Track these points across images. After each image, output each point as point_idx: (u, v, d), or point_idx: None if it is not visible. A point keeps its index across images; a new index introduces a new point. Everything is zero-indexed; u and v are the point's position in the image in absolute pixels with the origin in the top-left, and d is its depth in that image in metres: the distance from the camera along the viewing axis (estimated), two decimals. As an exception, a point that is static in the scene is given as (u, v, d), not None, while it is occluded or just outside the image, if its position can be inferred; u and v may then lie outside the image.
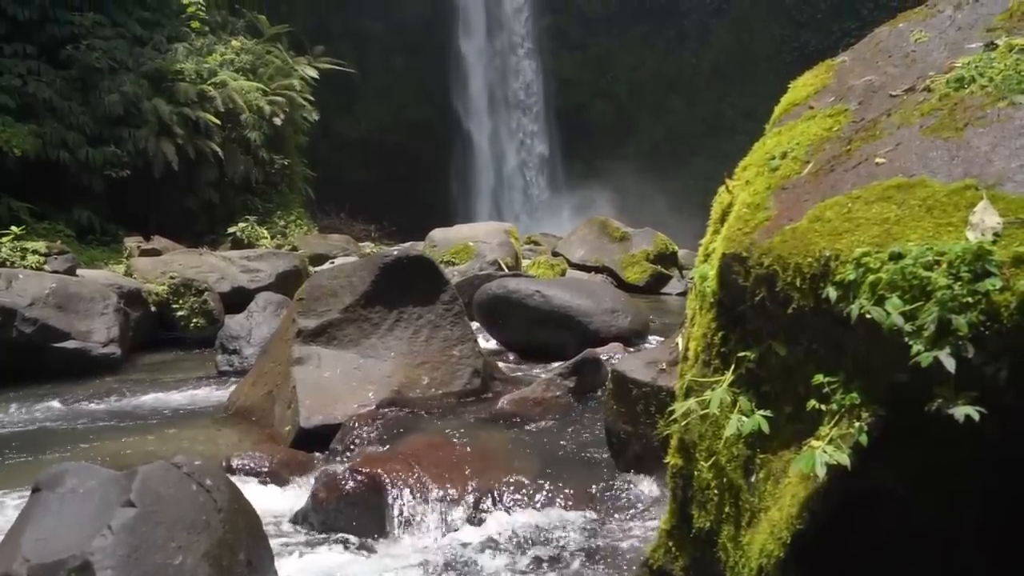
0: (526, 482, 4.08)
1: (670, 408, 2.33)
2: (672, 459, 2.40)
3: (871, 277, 1.64)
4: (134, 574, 2.66)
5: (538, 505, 3.92)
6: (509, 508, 3.90)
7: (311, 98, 20.21)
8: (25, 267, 9.58)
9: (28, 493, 3.12)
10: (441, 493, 3.95)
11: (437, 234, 14.19)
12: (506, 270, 12.10)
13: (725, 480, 2.11)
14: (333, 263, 13.05)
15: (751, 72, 27.26)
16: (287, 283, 11.02)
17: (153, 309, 9.72)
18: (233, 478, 3.96)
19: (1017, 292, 1.48)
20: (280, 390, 5.64)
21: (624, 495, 3.98)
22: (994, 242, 1.56)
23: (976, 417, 1.47)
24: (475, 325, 7.30)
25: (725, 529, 2.10)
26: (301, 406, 5.27)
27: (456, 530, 3.81)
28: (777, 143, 2.33)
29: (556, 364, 6.52)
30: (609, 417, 4.19)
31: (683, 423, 2.28)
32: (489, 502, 3.92)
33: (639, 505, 3.89)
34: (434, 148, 29.28)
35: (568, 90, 29.91)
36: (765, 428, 1.92)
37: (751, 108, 21.36)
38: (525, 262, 13.98)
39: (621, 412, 4.05)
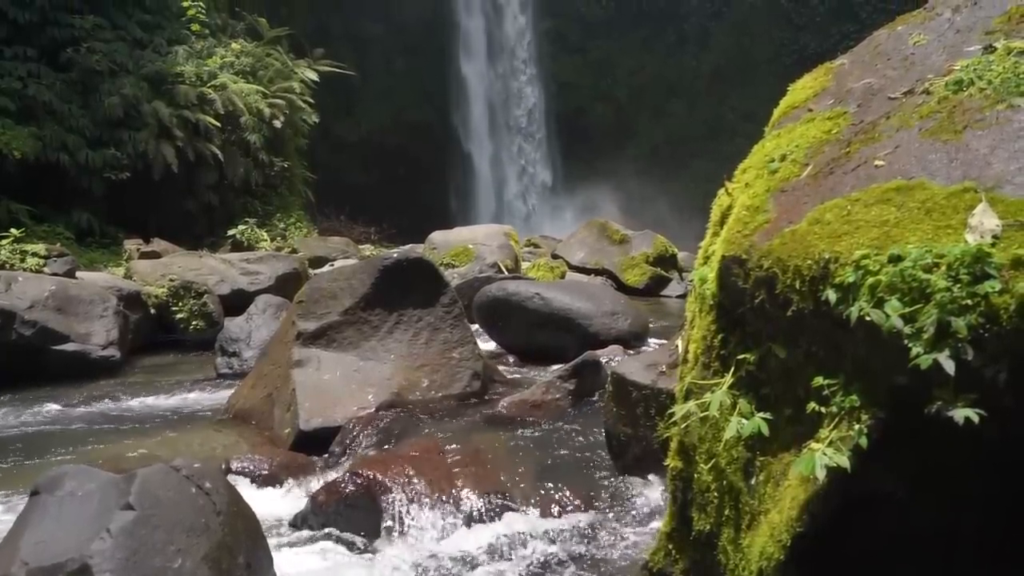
0: (526, 485, 4.07)
1: (670, 410, 2.33)
2: (672, 462, 2.40)
3: (870, 279, 1.64)
4: (133, 577, 2.65)
5: (538, 508, 3.91)
6: (508, 511, 3.90)
7: (311, 100, 20.22)
8: (25, 270, 9.58)
9: (27, 496, 3.12)
10: (440, 496, 3.94)
11: (437, 236, 14.20)
12: (506, 272, 12.10)
13: (725, 482, 2.10)
14: (333, 265, 13.04)
15: (750, 75, 27.31)
16: (287, 285, 11.02)
17: (152, 311, 9.72)
18: (232, 481, 3.96)
19: (1016, 294, 1.48)
20: (280, 393, 5.63)
21: (624, 498, 3.98)
22: (993, 244, 1.56)
23: (975, 419, 1.47)
24: (475, 327, 7.31)
25: (725, 532, 2.10)
26: (300, 409, 5.27)
27: (456, 533, 3.80)
28: (776, 146, 2.34)
29: (556, 367, 6.52)
30: (609, 419, 4.19)
31: (683, 425, 2.27)
32: (489, 505, 3.92)
33: (639, 508, 3.89)
34: (434, 150, 29.28)
35: (568, 93, 29.93)
36: (765, 430, 1.92)
37: (750, 111, 21.36)
38: (525, 264, 13.98)
39: (621, 415, 4.04)
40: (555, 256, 15.06)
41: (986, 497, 1.73)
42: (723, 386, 2.08)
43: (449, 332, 5.95)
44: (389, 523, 3.84)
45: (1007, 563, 1.76)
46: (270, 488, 4.51)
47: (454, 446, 4.49)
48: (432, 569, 3.50)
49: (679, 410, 2.23)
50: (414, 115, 29.40)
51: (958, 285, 1.53)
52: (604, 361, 5.85)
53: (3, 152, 13.41)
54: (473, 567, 3.50)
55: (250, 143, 17.71)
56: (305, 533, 3.95)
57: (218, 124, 16.84)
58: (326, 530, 3.92)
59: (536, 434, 4.85)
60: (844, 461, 1.65)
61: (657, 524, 3.29)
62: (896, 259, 1.63)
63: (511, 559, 3.53)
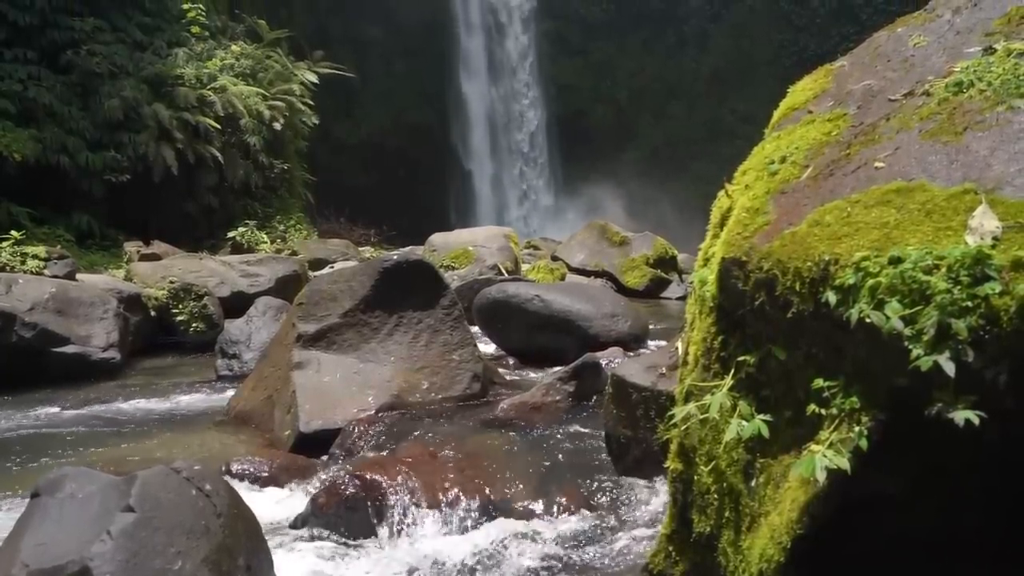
0: (526, 487, 4.07)
1: (670, 412, 2.33)
2: (672, 464, 2.40)
3: (870, 281, 1.64)
4: (133, 579, 2.65)
5: (538, 510, 3.91)
6: (509, 513, 3.89)
7: (311, 102, 20.23)
8: (25, 272, 9.58)
9: (27, 498, 3.12)
10: (441, 498, 3.94)
11: (437, 238, 14.20)
12: (506, 274, 12.10)
13: (725, 484, 2.10)
14: (333, 267, 13.05)
15: (750, 77, 27.34)
16: (287, 287, 11.02)
17: (153, 314, 9.72)
18: (233, 483, 3.96)
19: (1016, 296, 1.48)
20: (280, 395, 5.63)
21: (624, 500, 3.97)
22: (993, 246, 1.56)
23: (976, 421, 1.47)
24: (475, 329, 7.30)
25: (725, 534, 2.10)
26: (301, 411, 5.27)
27: (456, 535, 3.80)
28: (776, 147, 2.34)
29: (556, 368, 6.52)
30: (609, 421, 4.19)
31: (683, 427, 2.27)
32: (489, 507, 3.92)
33: (639, 510, 3.89)
34: (434, 152, 29.26)
35: (568, 96, 29.94)
36: (765, 432, 1.91)
37: (750, 113, 21.41)
38: (525, 266, 13.98)
39: (621, 416, 4.04)
40: (555, 258, 15.06)
41: (986, 498, 1.73)
42: (723, 388, 2.08)
43: (449, 334, 5.95)
44: (389, 525, 3.84)
45: (1008, 564, 1.76)
46: (270, 490, 4.51)
47: (454, 448, 4.49)
48: (432, 571, 3.50)
49: (679, 412, 2.23)
50: (414, 117, 29.40)
51: (958, 287, 1.53)
52: (604, 363, 5.84)
53: (3, 154, 13.42)
54: (473, 569, 3.50)
55: (250, 145, 17.72)
56: (305, 535, 3.95)
57: (218, 126, 16.85)
58: (326, 532, 3.91)
59: (536, 436, 4.85)
60: (844, 463, 1.65)
61: (657, 526, 3.29)
62: (896, 261, 1.63)
63: (511, 561, 3.52)
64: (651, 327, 8.51)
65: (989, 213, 1.62)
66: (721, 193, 2.46)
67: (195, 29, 18.43)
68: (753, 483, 2.00)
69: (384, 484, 3.96)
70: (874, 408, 1.66)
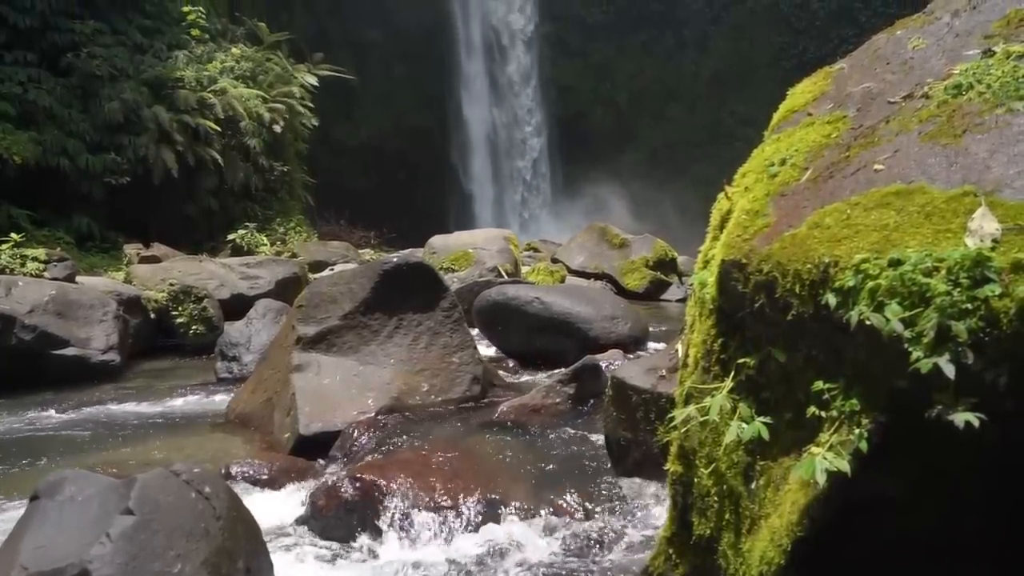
0: (525, 489, 4.07)
1: (670, 415, 2.33)
2: (672, 466, 2.40)
3: (870, 283, 1.64)
4: (133, 582, 2.65)
5: (537, 512, 3.91)
6: (508, 515, 3.89)
7: (311, 105, 20.25)
8: (25, 274, 9.58)
9: (27, 501, 3.12)
10: (440, 501, 3.94)
11: (437, 241, 14.20)
12: (506, 277, 12.10)
13: (725, 487, 2.10)
14: (333, 270, 13.05)
15: (750, 79, 27.37)
16: (287, 290, 11.02)
17: (152, 316, 9.72)
18: (232, 485, 3.96)
19: (1016, 298, 1.48)
20: (279, 397, 5.63)
21: (624, 502, 3.97)
22: (993, 248, 1.56)
23: (976, 423, 1.47)
24: (475, 332, 7.30)
25: (725, 536, 2.10)
26: (300, 413, 5.27)
27: (455, 538, 3.79)
28: (776, 150, 2.34)
29: (556, 371, 6.52)
30: (609, 424, 4.18)
31: (683, 430, 2.27)
32: (489, 509, 3.91)
33: (639, 512, 3.88)
34: (434, 154, 29.25)
35: (568, 98, 29.94)
36: (765, 435, 1.91)
37: (750, 115, 21.42)
38: (524, 269, 13.97)
39: (621, 419, 4.04)
40: (555, 260, 15.06)
41: (987, 500, 1.73)
42: (723, 390, 2.08)
43: (449, 336, 5.95)
44: (389, 527, 3.84)
45: (1008, 566, 1.76)
46: (270, 492, 4.51)
47: (454, 451, 4.49)
48: (432, 573, 3.49)
49: (679, 414, 2.23)
50: (414, 120, 29.41)
51: (958, 289, 1.53)
52: (604, 365, 5.84)
53: (3, 157, 13.43)
54: (473, 572, 3.49)
55: (250, 148, 17.73)
56: (305, 537, 3.94)
57: (218, 129, 16.86)
58: (326, 534, 3.91)
59: (536, 438, 4.85)
60: (844, 465, 1.65)
61: (657, 529, 3.29)
62: (896, 263, 1.63)
63: (511, 564, 3.52)
64: (651, 329, 8.51)
65: (989, 215, 1.62)
66: (721, 195, 2.46)
67: (195, 32, 18.45)
68: (753, 485, 1.99)
69: (384, 487, 3.96)
70: (874, 410, 1.66)
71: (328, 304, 5.92)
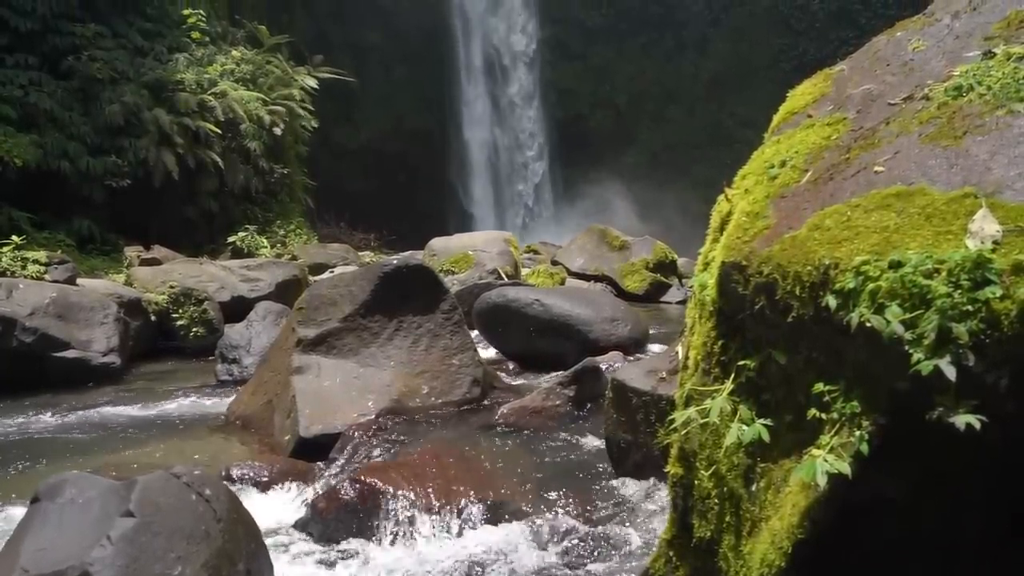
0: (525, 491, 4.07)
1: (670, 417, 2.33)
2: (672, 468, 2.39)
3: (871, 285, 1.64)
4: (133, 584, 2.65)
5: (538, 514, 3.90)
6: (508, 517, 3.89)
7: (311, 107, 20.25)
8: (26, 277, 9.59)
9: (27, 503, 3.12)
10: (440, 503, 3.94)
11: (437, 243, 14.20)
12: (506, 279, 12.10)
13: (726, 489, 2.10)
14: (333, 272, 13.06)
15: (749, 81, 27.37)
16: (287, 292, 11.02)
17: (153, 318, 9.72)
18: (233, 488, 3.96)
19: (1017, 300, 1.48)
20: (280, 399, 5.63)
21: (624, 504, 3.97)
22: (993, 250, 1.56)
23: (977, 425, 1.47)
24: (475, 334, 7.30)
25: (726, 538, 2.10)
26: (301, 415, 5.27)
27: (456, 539, 3.79)
28: (776, 152, 2.34)
29: (556, 373, 6.52)
30: (609, 426, 4.18)
31: (683, 432, 2.27)
32: (489, 512, 3.91)
33: (639, 514, 3.88)
34: (434, 157, 29.26)
35: (568, 100, 29.95)
36: (765, 437, 1.91)
37: (750, 117, 21.40)
38: (524, 271, 13.98)
39: (621, 421, 4.04)
40: (555, 262, 15.07)
41: (987, 502, 1.73)
42: (723, 392, 2.08)
43: (449, 338, 5.95)
44: (389, 530, 3.83)
45: (1009, 566, 1.76)
46: (270, 495, 4.51)
47: (454, 453, 4.49)
48: (432, 575, 3.49)
49: (679, 416, 2.23)
50: (414, 122, 29.42)
51: (959, 291, 1.53)
52: (604, 367, 5.85)
53: (4, 160, 13.42)
54: (473, 574, 3.49)
55: (250, 150, 17.73)
56: (305, 540, 3.94)
57: (218, 131, 16.87)
58: (326, 537, 3.91)
59: (536, 440, 4.85)
60: (845, 467, 1.65)
61: (658, 531, 3.29)
62: (896, 265, 1.63)
63: (511, 566, 3.52)
64: (651, 331, 8.51)
65: (989, 217, 1.62)
66: (721, 197, 2.46)
67: (195, 35, 18.46)
68: (754, 487, 1.99)
69: (384, 489, 3.96)
70: (875, 412, 1.66)
71: (328, 306, 5.93)
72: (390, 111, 28.96)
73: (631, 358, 7.02)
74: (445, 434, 4.98)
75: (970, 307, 1.50)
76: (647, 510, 3.89)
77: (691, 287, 2.46)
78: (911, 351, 1.53)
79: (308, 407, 5.33)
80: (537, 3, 29.17)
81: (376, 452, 4.76)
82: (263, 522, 3.53)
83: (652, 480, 3.96)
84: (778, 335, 1.92)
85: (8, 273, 9.64)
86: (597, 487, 4.14)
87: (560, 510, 3.92)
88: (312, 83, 20.56)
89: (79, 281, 10.14)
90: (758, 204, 2.12)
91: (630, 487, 4.07)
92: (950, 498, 1.72)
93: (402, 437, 4.91)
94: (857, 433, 1.67)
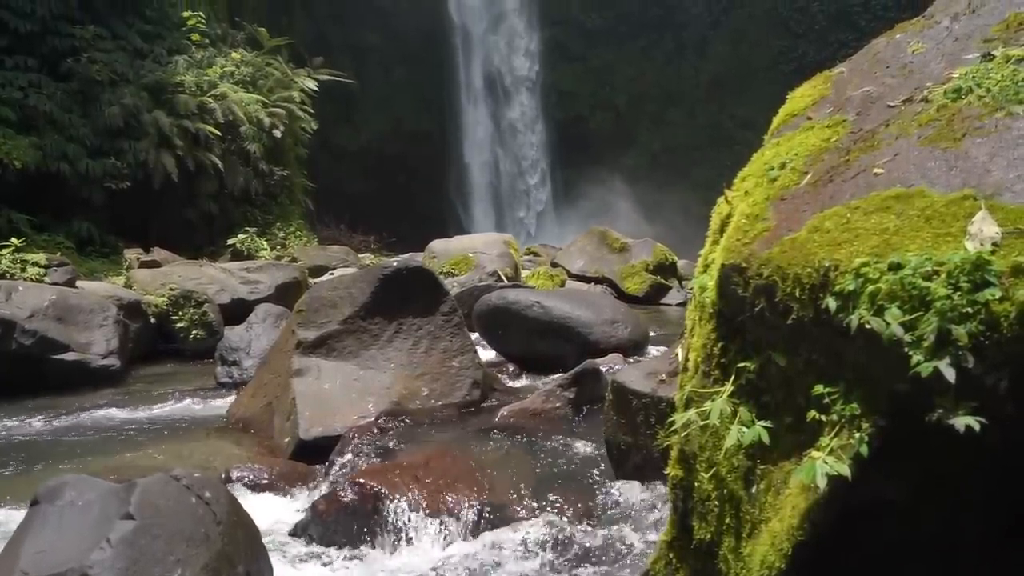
0: (525, 494, 4.06)
1: (670, 419, 2.33)
2: (672, 470, 2.39)
3: (870, 287, 1.64)
4: (133, 587, 2.64)
5: (537, 517, 3.90)
6: (508, 520, 3.89)
7: (310, 109, 20.27)
8: (25, 279, 9.59)
9: (27, 505, 3.11)
10: (440, 505, 3.94)
11: (437, 245, 14.21)
12: (505, 281, 12.10)
13: (726, 491, 2.10)
14: (333, 274, 13.05)
15: (749, 83, 27.38)
16: (287, 294, 11.01)
17: (152, 321, 9.72)
18: (232, 490, 3.96)
19: (1016, 302, 1.48)
20: (279, 402, 5.63)
21: (624, 506, 3.96)
22: (993, 252, 1.56)
23: (976, 427, 1.47)
24: (474, 336, 7.30)
25: (726, 540, 2.10)
26: (300, 418, 5.26)
27: (455, 542, 3.79)
28: (776, 154, 2.34)
29: (556, 375, 6.51)
30: (609, 428, 4.18)
31: (683, 434, 2.27)
32: (489, 514, 3.91)
33: (639, 516, 3.88)
34: (433, 158, 29.27)
35: (568, 102, 29.97)
36: (765, 439, 1.91)
37: (749, 119, 21.43)
38: (524, 273, 13.98)
39: (621, 423, 4.04)
40: (555, 264, 15.07)
41: (987, 503, 1.73)
42: (723, 394, 2.08)
43: (449, 341, 5.95)
44: (389, 532, 3.83)
45: (1009, 567, 1.76)
46: (270, 497, 4.51)
47: (454, 455, 4.49)
48: (432, 578, 3.49)
49: (679, 418, 2.23)
50: (414, 124, 29.44)
51: (958, 293, 1.53)
52: (604, 369, 5.84)
53: (4, 162, 13.43)
54: (474, 576, 3.49)
55: (250, 152, 17.74)
56: (305, 542, 3.94)
57: (218, 133, 16.88)
58: (326, 539, 3.91)
59: (536, 443, 4.85)
60: (845, 469, 1.65)
61: (658, 533, 3.28)
62: (896, 267, 1.63)
63: (511, 568, 3.51)
64: (651, 333, 8.51)
65: (988, 219, 1.63)
66: (720, 199, 2.46)
67: (195, 37, 18.47)
68: (754, 489, 1.99)
69: (384, 491, 3.96)
70: (874, 414, 1.66)
71: (328, 309, 5.92)
72: (390, 112, 28.97)
73: (631, 360, 7.01)
74: (445, 436, 4.98)
75: (969, 309, 1.51)
76: (647, 512, 3.89)
77: (691, 289, 2.46)
78: (911, 353, 1.53)
79: (308, 409, 5.33)
80: (539, 22, 29.06)
81: (376, 455, 4.76)
82: (263, 524, 3.53)
83: (652, 482, 3.96)
84: (778, 337, 1.92)
85: (7, 275, 9.64)
86: (597, 489, 4.14)
87: (560, 512, 3.92)
88: (312, 85, 20.57)
89: (78, 283, 10.14)
90: (758, 206, 2.12)
91: (630, 489, 4.06)
92: (950, 500, 1.72)
93: (402, 439, 4.91)
94: (857, 435, 1.67)
